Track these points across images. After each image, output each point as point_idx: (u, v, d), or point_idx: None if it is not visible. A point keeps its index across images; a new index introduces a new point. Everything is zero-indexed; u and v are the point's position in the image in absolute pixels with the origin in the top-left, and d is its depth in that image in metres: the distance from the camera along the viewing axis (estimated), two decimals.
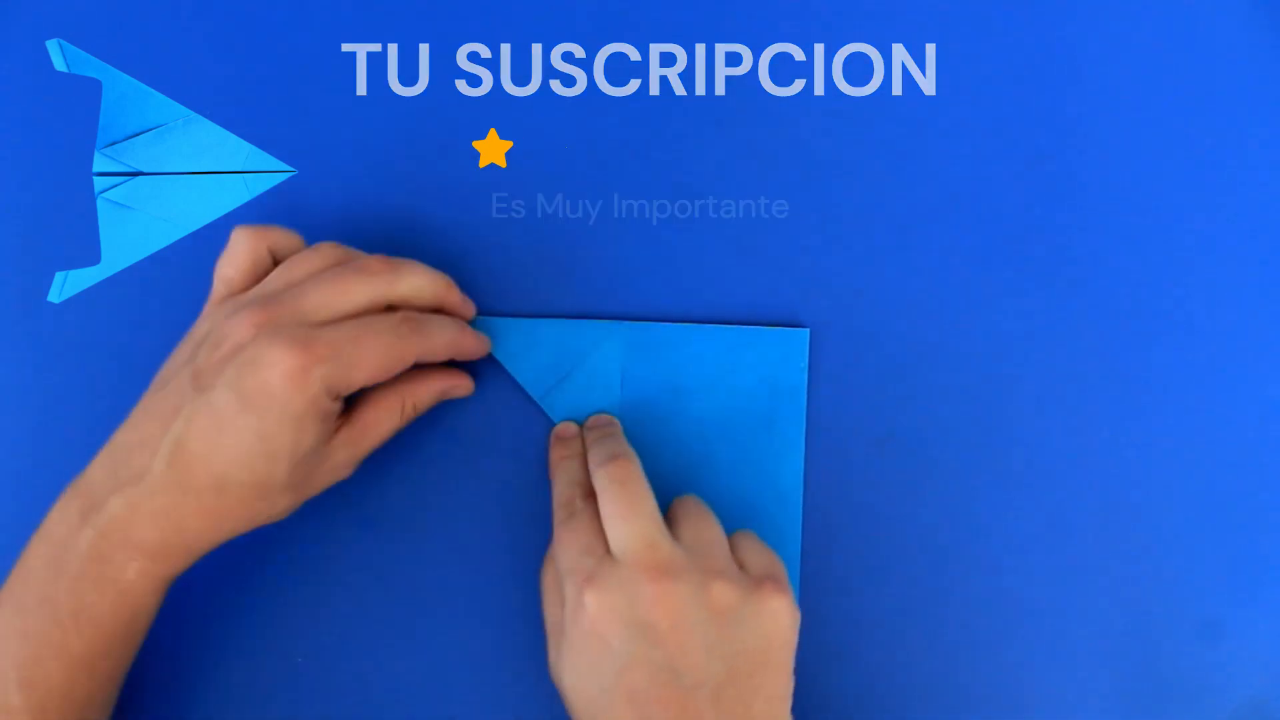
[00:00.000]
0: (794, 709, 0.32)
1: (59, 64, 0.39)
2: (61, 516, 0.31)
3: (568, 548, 0.33)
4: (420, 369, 0.35)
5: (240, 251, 0.33)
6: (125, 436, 0.31)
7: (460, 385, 0.37)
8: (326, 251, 0.33)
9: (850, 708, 0.37)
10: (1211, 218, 0.39)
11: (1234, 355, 0.38)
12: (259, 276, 0.34)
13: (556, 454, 0.37)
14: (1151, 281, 0.38)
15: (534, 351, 0.38)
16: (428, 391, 0.35)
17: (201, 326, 0.33)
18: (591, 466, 0.34)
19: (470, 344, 0.35)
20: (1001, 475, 0.38)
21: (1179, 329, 0.38)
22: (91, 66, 0.39)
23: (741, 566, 0.33)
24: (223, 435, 0.30)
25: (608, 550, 0.32)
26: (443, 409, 0.37)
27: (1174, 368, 0.38)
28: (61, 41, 0.39)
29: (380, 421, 0.34)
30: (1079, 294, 0.38)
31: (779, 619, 0.32)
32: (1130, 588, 0.37)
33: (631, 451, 0.34)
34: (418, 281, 0.34)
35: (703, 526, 0.33)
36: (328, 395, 0.30)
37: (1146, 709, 0.37)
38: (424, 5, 0.39)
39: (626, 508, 0.32)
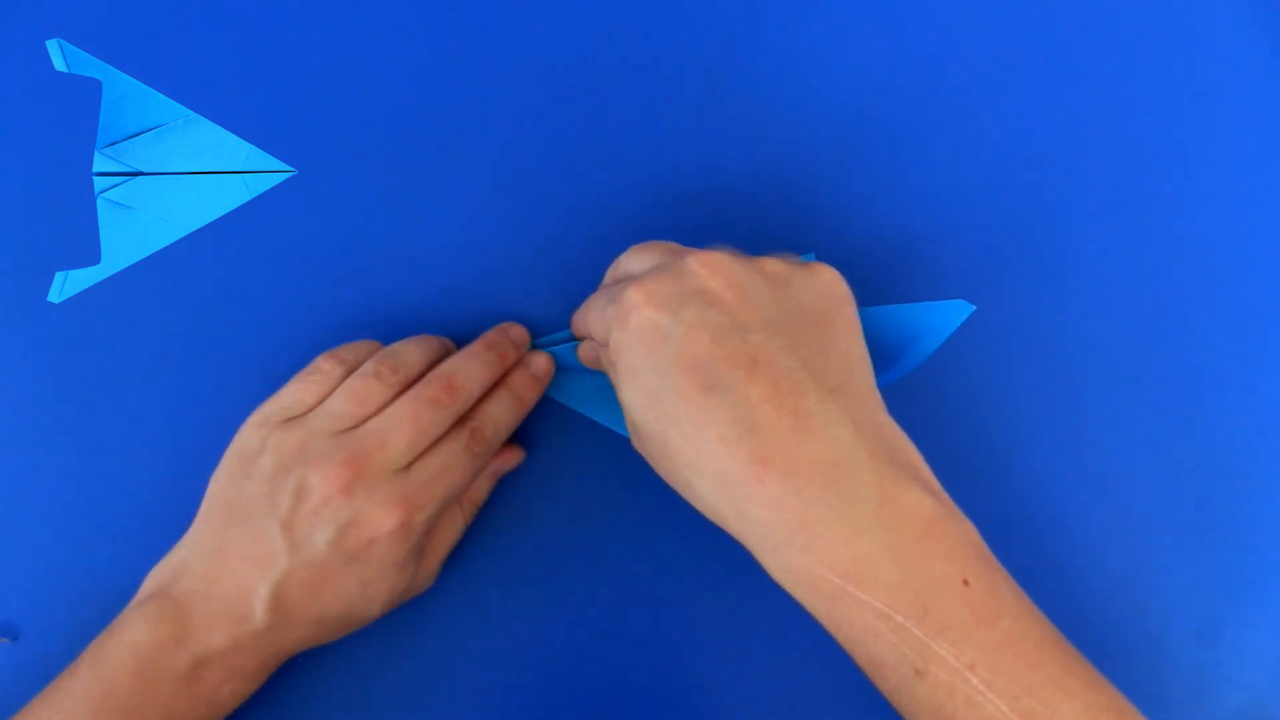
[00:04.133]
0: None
1: (59, 64, 0.39)
2: (151, 635, 0.31)
3: (594, 306, 0.32)
4: None
5: (327, 382, 0.33)
6: (216, 572, 0.31)
7: (510, 460, 0.37)
8: (386, 375, 0.33)
9: (848, 700, 0.37)
10: (1225, 211, 0.39)
11: (1234, 355, 0.38)
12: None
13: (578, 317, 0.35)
14: (1152, 280, 0.39)
15: (581, 378, 0.38)
16: (482, 489, 0.36)
17: (265, 455, 0.32)
18: (611, 273, 0.34)
19: (530, 400, 0.36)
20: (1000, 474, 0.38)
21: (1180, 328, 0.38)
22: (91, 66, 0.39)
23: None
24: (325, 588, 0.31)
25: None
26: None
27: (1174, 367, 0.38)
28: (61, 41, 0.39)
29: (446, 533, 0.35)
30: (1079, 294, 0.38)
31: (834, 284, 0.30)
32: (1130, 588, 0.37)
33: None
34: (478, 382, 0.34)
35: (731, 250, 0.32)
36: (423, 535, 0.32)
37: (1146, 709, 0.37)
38: (424, 5, 0.39)
39: (645, 250, 0.32)
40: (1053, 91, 0.39)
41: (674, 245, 0.32)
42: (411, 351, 0.34)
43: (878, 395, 0.29)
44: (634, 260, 0.33)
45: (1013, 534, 0.38)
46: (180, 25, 0.39)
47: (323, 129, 0.39)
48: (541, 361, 0.36)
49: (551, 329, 0.38)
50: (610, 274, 0.35)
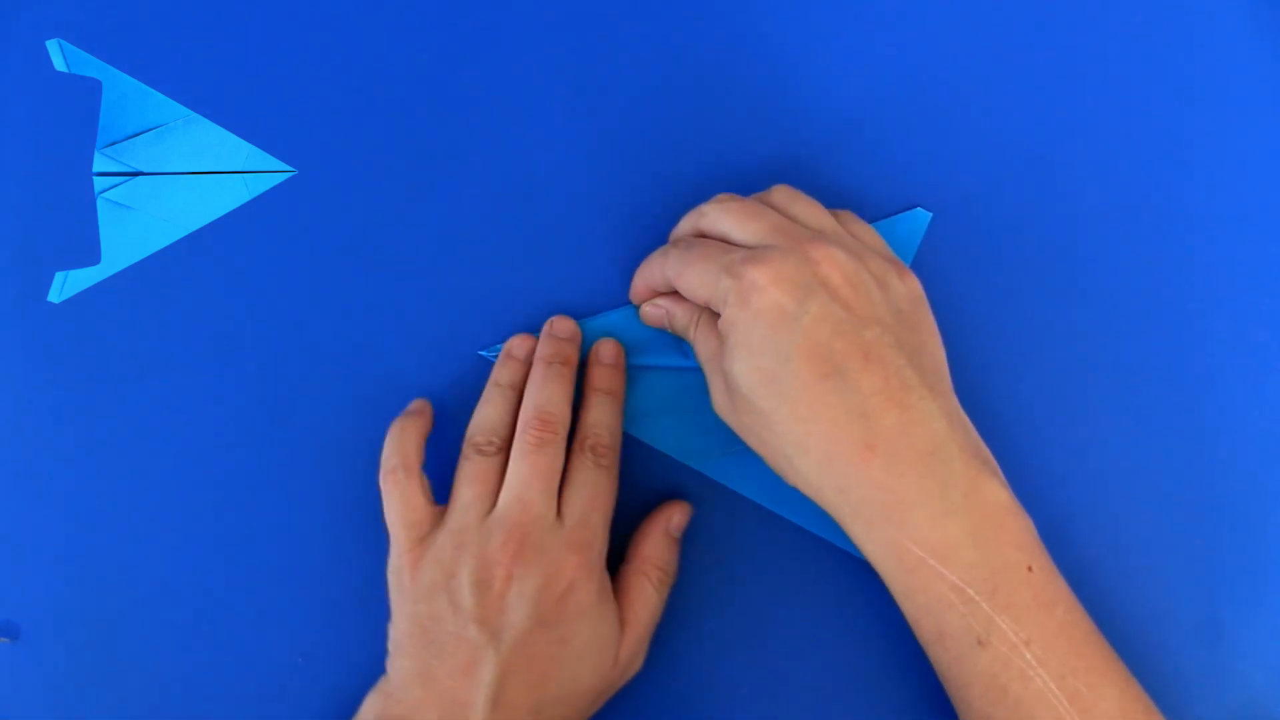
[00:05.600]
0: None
1: (59, 64, 0.39)
2: None
3: (700, 269, 0.32)
4: (639, 531, 0.35)
5: (411, 495, 0.33)
6: (428, 696, 0.31)
7: (680, 516, 0.36)
8: (485, 447, 0.33)
9: (850, 697, 0.37)
10: (1226, 209, 0.39)
11: (1234, 355, 0.38)
12: (431, 502, 0.34)
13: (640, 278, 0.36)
14: (1151, 279, 0.39)
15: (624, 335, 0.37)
16: (663, 554, 0.35)
17: (425, 572, 0.32)
18: (692, 223, 0.35)
19: (620, 390, 0.36)
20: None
21: (1178, 328, 0.38)
22: (91, 66, 0.39)
23: None
24: (536, 667, 0.31)
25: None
26: (449, 415, 0.37)
27: (1174, 367, 0.38)
28: (61, 41, 0.39)
29: (641, 606, 0.34)
30: (1080, 293, 0.38)
31: (916, 285, 0.33)
32: (1130, 587, 0.37)
33: None
34: (563, 401, 0.34)
35: (813, 210, 0.34)
36: (604, 573, 0.33)
37: None
38: (424, 5, 0.39)
39: (744, 215, 0.33)
40: (1054, 92, 0.39)
41: (768, 211, 0.33)
42: (492, 414, 0.34)
43: (954, 392, 0.32)
44: (730, 224, 0.33)
45: None
46: (180, 25, 0.39)
47: (323, 129, 0.39)
48: (610, 350, 0.36)
49: None
50: (690, 224, 0.35)
